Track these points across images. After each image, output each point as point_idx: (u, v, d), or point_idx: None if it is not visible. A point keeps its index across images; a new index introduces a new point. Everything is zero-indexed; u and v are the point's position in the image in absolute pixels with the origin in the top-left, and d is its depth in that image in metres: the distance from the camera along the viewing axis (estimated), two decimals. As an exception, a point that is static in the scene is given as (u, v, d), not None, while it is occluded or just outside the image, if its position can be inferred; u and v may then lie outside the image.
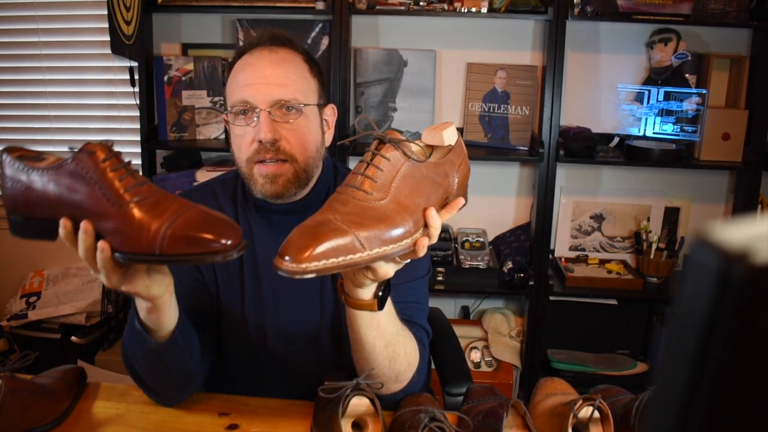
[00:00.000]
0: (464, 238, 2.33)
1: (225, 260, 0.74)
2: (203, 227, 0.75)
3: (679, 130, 2.26)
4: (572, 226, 2.42)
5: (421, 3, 2.17)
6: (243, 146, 1.09)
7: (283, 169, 1.08)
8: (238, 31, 2.29)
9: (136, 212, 0.77)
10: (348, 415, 0.96)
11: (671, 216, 2.39)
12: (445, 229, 2.36)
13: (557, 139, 2.18)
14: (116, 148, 0.81)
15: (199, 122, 2.31)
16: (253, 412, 1.09)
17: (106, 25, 2.13)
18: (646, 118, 2.28)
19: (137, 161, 2.30)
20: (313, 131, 1.12)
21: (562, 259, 2.38)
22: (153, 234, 0.75)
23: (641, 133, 2.29)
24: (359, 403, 0.97)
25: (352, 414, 0.97)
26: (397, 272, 0.87)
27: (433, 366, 1.42)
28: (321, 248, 0.72)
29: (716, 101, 2.27)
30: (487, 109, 2.31)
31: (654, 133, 2.28)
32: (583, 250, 2.43)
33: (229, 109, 1.10)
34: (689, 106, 2.23)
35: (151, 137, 2.29)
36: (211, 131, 2.33)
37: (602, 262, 2.36)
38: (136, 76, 2.27)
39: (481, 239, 2.34)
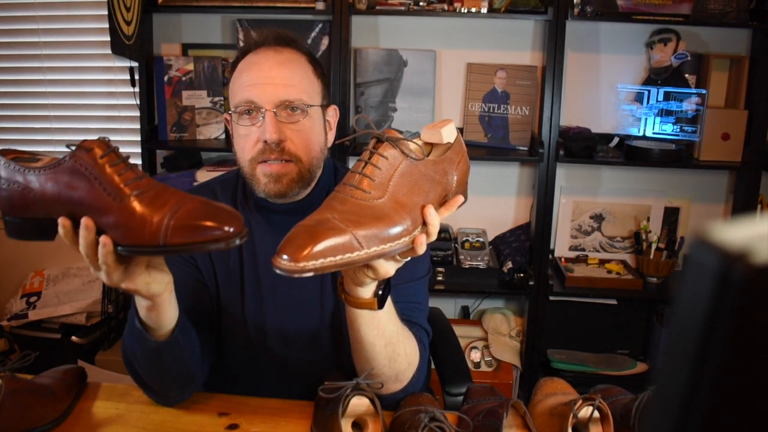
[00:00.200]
0: (464, 238, 2.33)
1: (227, 247, 0.74)
2: (205, 216, 0.75)
3: (678, 130, 2.26)
4: (572, 226, 2.42)
5: (421, 3, 2.17)
6: (247, 146, 1.09)
7: (288, 169, 1.08)
8: (238, 31, 2.29)
9: (138, 205, 0.77)
10: (348, 415, 0.96)
11: (671, 216, 2.39)
12: (445, 229, 2.35)
13: (557, 139, 2.18)
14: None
15: (199, 122, 2.31)
16: (253, 412, 1.09)
17: (107, 25, 2.12)
18: (646, 118, 2.28)
19: (137, 161, 2.30)
20: (317, 132, 1.12)
21: (562, 259, 2.38)
22: (156, 225, 0.75)
23: (641, 133, 2.29)
24: (359, 403, 0.97)
25: (352, 414, 0.97)
26: (397, 272, 0.87)
27: (433, 366, 1.42)
28: (319, 247, 0.72)
29: (716, 101, 2.27)
30: (487, 109, 2.31)
31: (654, 133, 2.28)
32: (583, 250, 2.43)
33: (232, 108, 1.10)
34: (689, 106, 2.23)
35: (151, 137, 2.30)
36: (211, 131, 2.33)
37: (602, 262, 2.36)
38: (137, 76, 2.27)
39: (481, 239, 2.34)
